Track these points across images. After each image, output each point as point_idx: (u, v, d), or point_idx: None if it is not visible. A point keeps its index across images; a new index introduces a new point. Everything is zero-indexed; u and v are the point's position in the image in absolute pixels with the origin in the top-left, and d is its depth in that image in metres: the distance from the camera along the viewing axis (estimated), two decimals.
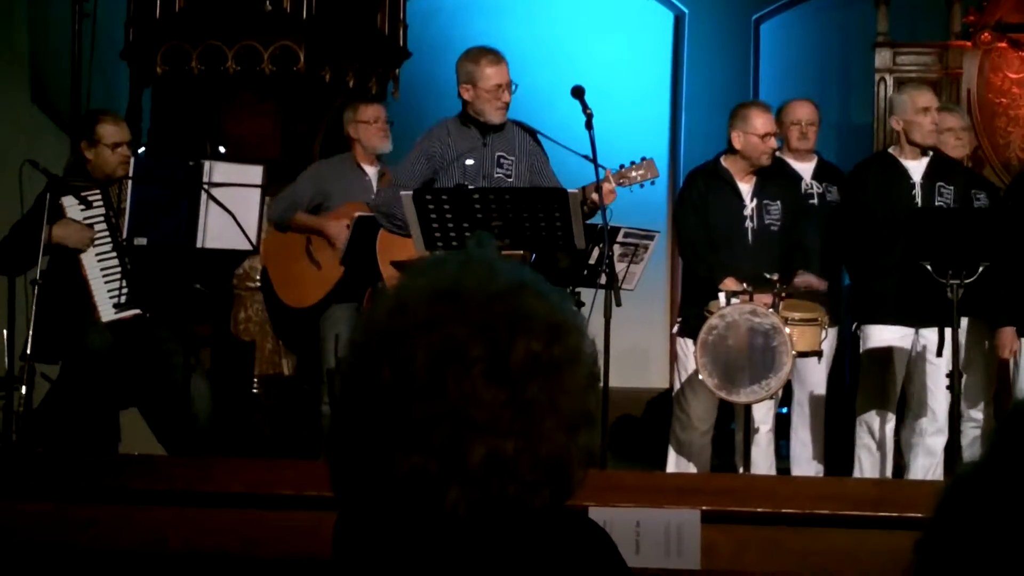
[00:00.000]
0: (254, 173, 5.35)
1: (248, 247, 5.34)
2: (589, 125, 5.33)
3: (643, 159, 5.60)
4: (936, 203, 5.87)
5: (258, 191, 5.32)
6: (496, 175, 5.48)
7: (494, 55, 5.49)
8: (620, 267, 6.12)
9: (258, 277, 6.69)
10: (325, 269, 6.17)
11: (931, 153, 5.96)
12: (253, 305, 6.73)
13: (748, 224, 5.85)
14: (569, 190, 5.10)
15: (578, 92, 5.41)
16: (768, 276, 5.52)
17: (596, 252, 5.94)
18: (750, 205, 5.87)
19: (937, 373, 5.66)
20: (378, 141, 6.31)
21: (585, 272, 6.05)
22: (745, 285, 5.49)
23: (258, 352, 6.71)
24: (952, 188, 5.94)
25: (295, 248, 6.30)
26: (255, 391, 6.69)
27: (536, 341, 1.25)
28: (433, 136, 5.58)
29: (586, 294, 5.76)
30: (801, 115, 6.39)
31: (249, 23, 6.61)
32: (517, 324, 1.24)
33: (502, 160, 5.51)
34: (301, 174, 6.39)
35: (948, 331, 5.39)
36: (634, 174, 5.57)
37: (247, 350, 6.68)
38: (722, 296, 5.42)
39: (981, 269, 5.29)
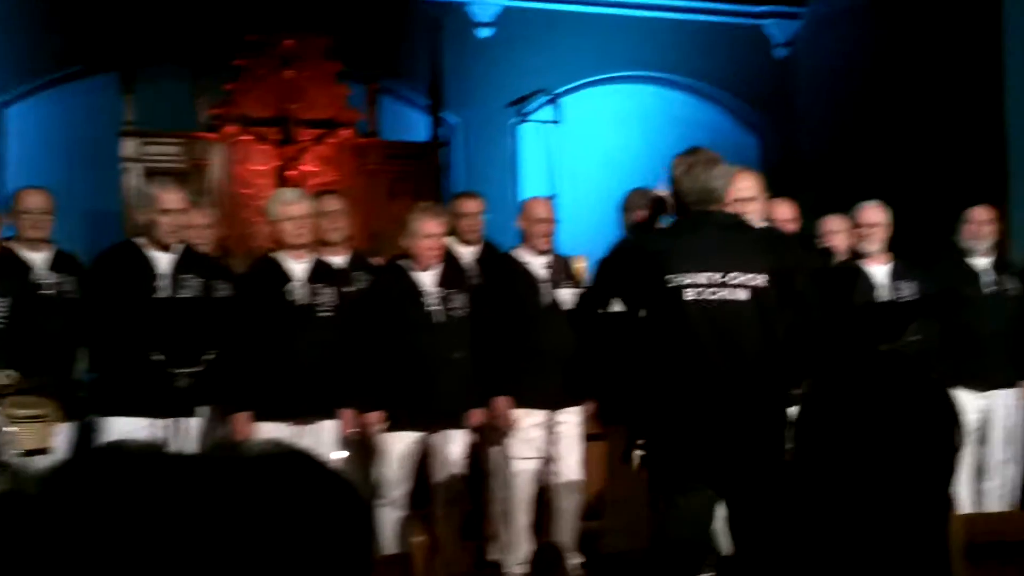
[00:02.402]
0: None
1: None
2: None
3: None
4: (180, 295, 5.87)
5: None
6: None
7: None
8: None
9: None
10: None
11: (180, 246, 5.94)
12: None
13: None
14: None
15: None
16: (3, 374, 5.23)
17: None
18: None
19: None
20: None
21: None
22: None
23: None
24: (199, 281, 5.94)
25: None
26: None
27: None
28: None
29: None
30: (31, 204, 6.14)
31: None
32: None
33: None
34: None
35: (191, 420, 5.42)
36: None
37: None
38: None
39: (209, 358, 5.37)
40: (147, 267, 5.83)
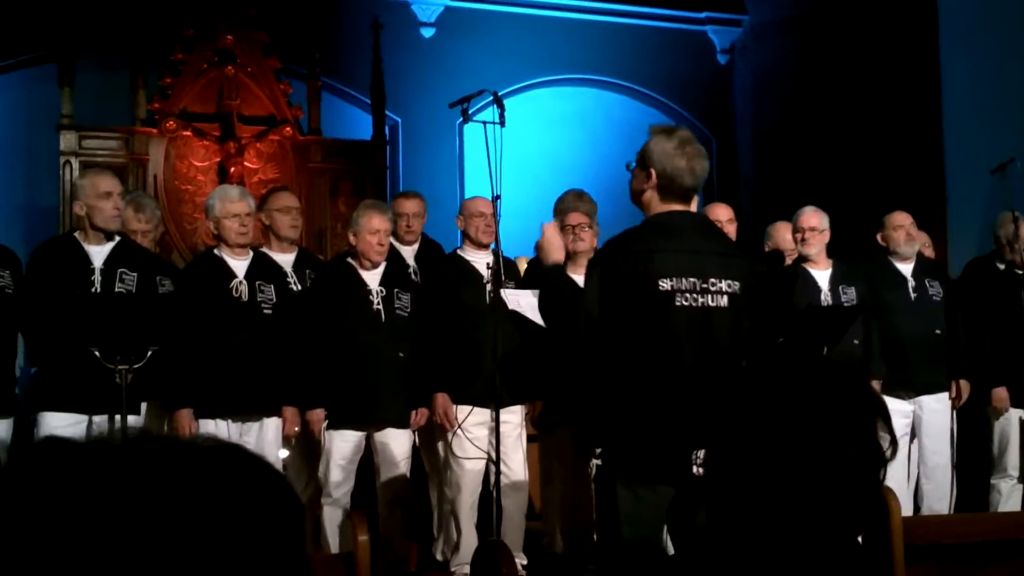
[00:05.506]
0: None
1: None
2: None
3: None
4: (117, 289, 5.76)
5: None
6: None
7: None
8: None
9: None
10: None
11: (117, 237, 5.83)
12: None
13: None
14: None
15: None
16: None
17: None
18: None
19: None
20: None
21: None
22: None
23: None
24: (135, 275, 5.82)
25: None
26: None
27: None
28: None
29: None
30: None
31: None
32: None
33: None
34: None
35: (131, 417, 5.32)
36: None
37: None
38: None
39: (150, 354, 5.28)
40: (83, 261, 5.71)
